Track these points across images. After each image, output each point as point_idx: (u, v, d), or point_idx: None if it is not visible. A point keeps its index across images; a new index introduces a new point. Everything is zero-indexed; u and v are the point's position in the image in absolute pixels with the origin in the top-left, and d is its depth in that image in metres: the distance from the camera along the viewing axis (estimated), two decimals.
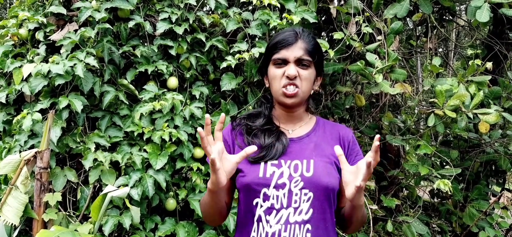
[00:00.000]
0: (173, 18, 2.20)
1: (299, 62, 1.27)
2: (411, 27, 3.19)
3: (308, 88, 1.30)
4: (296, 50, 1.27)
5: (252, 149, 1.11)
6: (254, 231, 1.23)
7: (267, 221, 1.22)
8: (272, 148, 1.26)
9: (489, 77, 2.25)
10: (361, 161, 1.06)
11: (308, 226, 1.22)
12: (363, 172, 1.02)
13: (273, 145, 1.27)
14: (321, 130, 1.36)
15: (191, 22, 2.25)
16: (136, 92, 2.22)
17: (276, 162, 1.25)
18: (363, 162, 1.03)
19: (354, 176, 1.08)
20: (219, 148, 1.12)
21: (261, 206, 1.23)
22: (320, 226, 1.24)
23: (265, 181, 1.22)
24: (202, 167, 2.16)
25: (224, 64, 2.15)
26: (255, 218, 1.23)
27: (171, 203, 2.16)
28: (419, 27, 3.06)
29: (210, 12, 2.47)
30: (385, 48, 2.19)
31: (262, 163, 1.25)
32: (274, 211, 1.22)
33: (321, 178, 1.24)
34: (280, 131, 1.32)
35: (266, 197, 1.22)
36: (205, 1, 2.39)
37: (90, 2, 2.17)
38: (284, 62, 1.28)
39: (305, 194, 1.22)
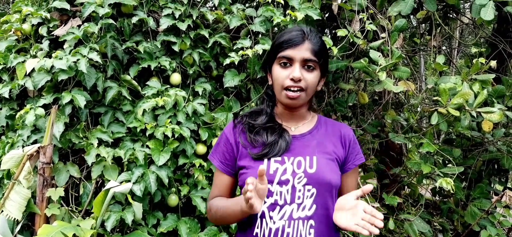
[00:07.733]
0: (177, 14, 2.20)
1: (304, 63, 1.25)
2: (415, 24, 3.18)
3: (312, 90, 1.29)
4: (303, 51, 1.24)
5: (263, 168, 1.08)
6: (258, 227, 1.24)
7: (271, 217, 1.22)
8: (275, 145, 1.26)
9: (493, 75, 2.23)
10: (360, 205, 1.13)
11: (312, 222, 1.23)
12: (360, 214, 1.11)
13: (276, 142, 1.26)
14: (323, 128, 1.36)
15: (194, 18, 2.24)
16: (139, 88, 2.22)
17: (279, 158, 1.25)
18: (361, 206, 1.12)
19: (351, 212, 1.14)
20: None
21: (265, 202, 1.23)
22: (323, 221, 1.24)
23: (269, 177, 1.22)
24: (204, 164, 2.16)
25: (227, 61, 2.14)
26: (259, 214, 1.24)
27: (173, 199, 2.16)
28: (423, 24, 3.04)
29: (214, 8, 2.46)
30: (388, 46, 2.18)
31: (265, 160, 1.25)
32: (278, 207, 1.22)
33: (324, 174, 1.24)
34: (282, 129, 1.31)
35: (269, 193, 1.22)
36: None
37: None
38: (289, 61, 1.26)
39: (309, 190, 1.23)
